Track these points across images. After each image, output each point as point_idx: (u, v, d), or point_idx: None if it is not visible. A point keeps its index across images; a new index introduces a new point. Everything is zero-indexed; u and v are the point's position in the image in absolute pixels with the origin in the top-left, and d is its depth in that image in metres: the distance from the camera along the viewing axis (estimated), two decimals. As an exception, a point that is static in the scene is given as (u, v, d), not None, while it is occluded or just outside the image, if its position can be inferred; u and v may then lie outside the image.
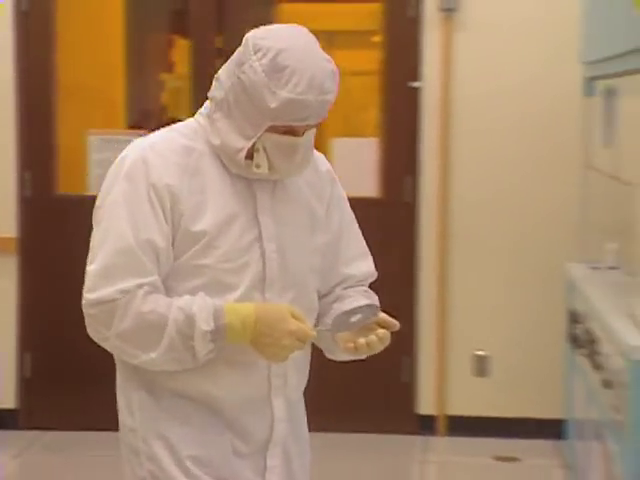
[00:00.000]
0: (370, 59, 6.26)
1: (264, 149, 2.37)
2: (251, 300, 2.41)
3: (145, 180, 2.35)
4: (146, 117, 6.22)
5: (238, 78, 2.36)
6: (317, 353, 2.66)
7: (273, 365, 2.46)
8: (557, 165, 5.72)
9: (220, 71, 2.48)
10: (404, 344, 6.01)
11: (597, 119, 5.16)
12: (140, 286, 2.32)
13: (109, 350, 2.44)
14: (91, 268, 2.35)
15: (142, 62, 6.47)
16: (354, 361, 6.06)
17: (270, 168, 2.39)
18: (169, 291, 2.38)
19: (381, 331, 2.45)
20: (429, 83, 5.94)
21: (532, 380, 5.78)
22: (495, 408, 5.75)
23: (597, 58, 4.75)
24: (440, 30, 5.90)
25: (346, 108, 6.81)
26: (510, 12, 5.82)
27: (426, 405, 6.08)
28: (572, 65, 5.26)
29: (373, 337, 2.44)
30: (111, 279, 2.32)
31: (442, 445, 5.96)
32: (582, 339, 4.60)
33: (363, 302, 2.51)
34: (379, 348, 2.48)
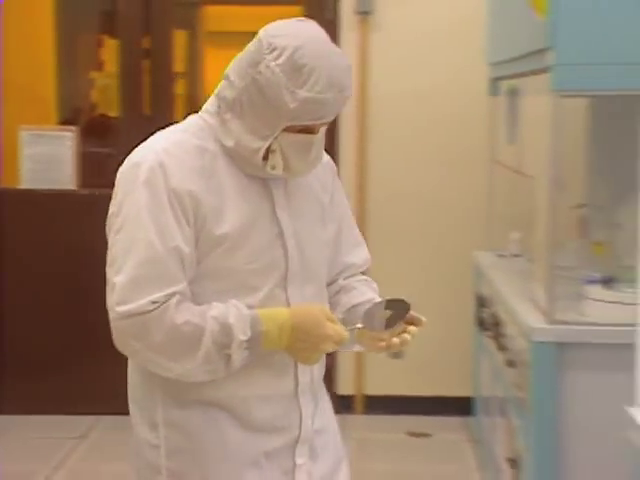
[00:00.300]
0: (291, 60, 6.27)
1: (280, 149, 2.22)
2: (275, 298, 2.28)
3: (165, 186, 2.17)
4: (76, 113, 6.18)
5: (253, 78, 2.18)
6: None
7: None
8: (465, 160, 5.79)
9: (229, 70, 2.27)
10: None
11: (502, 117, 5.23)
12: (171, 295, 2.15)
13: (139, 363, 2.28)
14: (119, 279, 2.15)
15: (73, 61, 6.42)
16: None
17: (285, 168, 2.25)
18: (193, 296, 2.22)
19: (414, 329, 2.33)
20: (346, 82, 5.98)
21: (443, 361, 5.86)
22: (409, 387, 5.81)
23: (501, 59, 4.79)
24: (356, 32, 5.94)
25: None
26: (422, 16, 5.87)
27: (345, 386, 6.12)
28: (479, 66, 5.31)
29: (407, 336, 2.31)
30: (141, 290, 2.13)
31: (360, 423, 5.99)
32: (488, 322, 4.67)
33: (387, 297, 2.35)
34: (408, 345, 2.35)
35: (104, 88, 6.39)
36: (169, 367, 2.18)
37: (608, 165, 4.25)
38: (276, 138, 2.20)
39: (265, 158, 2.23)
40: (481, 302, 4.90)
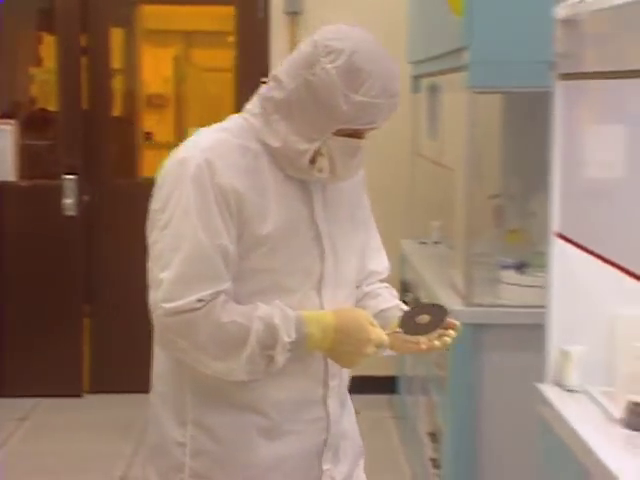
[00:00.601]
0: (225, 57, 6.28)
1: (328, 152, 2.13)
2: (309, 301, 2.18)
3: (212, 183, 2.07)
4: (16, 107, 6.13)
5: (305, 80, 2.07)
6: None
7: (330, 366, 2.20)
8: (390, 153, 5.82)
9: (279, 71, 2.15)
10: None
11: (423, 113, 5.29)
12: (218, 294, 2.06)
13: (181, 359, 2.16)
14: (166, 276, 2.06)
15: (12, 57, 6.35)
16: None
17: (331, 171, 2.15)
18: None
19: (453, 332, 2.22)
20: (277, 78, 6.02)
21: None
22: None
23: (421, 58, 4.86)
24: (286, 31, 5.97)
25: (204, 101, 6.82)
26: (347, 16, 5.80)
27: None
28: (401, 64, 5.35)
29: (448, 339, 2.22)
30: (189, 287, 2.05)
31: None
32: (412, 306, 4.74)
33: (425, 302, 2.33)
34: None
35: (43, 83, 6.34)
36: (211, 365, 2.09)
37: (521, 157, 4.34)
38: (324, 141, 2.11)
39: (311, 161, 2.13)
40: (405, 287, 4.95)
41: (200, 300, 2.04)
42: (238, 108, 6.62)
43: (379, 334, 2.13)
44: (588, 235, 2.66)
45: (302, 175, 2.17)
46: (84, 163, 5.92)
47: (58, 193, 5.89)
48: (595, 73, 2.60)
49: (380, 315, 2.30)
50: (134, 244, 6.15)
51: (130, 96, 6.35)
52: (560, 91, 2.81)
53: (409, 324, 2.19)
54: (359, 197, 2.42)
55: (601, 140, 2.64)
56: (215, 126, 2.23)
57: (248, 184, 2.10)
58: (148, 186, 6.80)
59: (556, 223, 2.84)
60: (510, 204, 4.37)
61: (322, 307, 2.20)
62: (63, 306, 6.02)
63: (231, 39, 6.23)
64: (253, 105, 2.21)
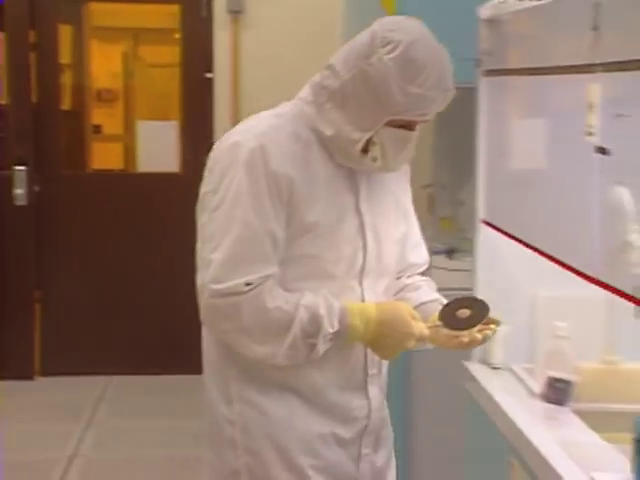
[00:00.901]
0: (171, 53, 6.25)
1: (380, 142, 2.06)
2: (351, 290, 2.13)
3: (264, 169, 2.01)
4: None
5: (361, 70, 2.01)
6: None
7: (369, 354, 2.17)
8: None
9: (334, 60, 2.09)
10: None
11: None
12: (266, 278, 2.01)
13: (223, 340, 2.10)
14: (215, 257, 2.00)
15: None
16: (162, 312, 5.97)
17: (382, 161, 2.09)
18: None
19: (494, 327, 2.16)
20: (220, 74, 6.02)
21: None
22: None
23: (357, 55, 4.88)
24: (228, 29, 5.98)
25: (151, 95, 6.78)
26: (286, 14, 5.95)
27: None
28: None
29: (489, 332, 2.16)
30: (238, 270, 1.99)
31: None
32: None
33: (466, 296, 2.21)
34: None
35: (-7, 78, 6.27)
36: (253, 349, 2.03)
37: (451, 149, 4.37)
38: (377, 131, 2.05)
39: (363, 150, 2.07)
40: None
41: (248, 284, 1.98)
42: (184, 101, 6.66)
43: (420, 328, 2.09)
44: (511, 222, 2.70)
45: (352, 164, 2.12)
46: (34, 155, 5.88)
47: (9, 183, 5.85)
48: (516, 70, 2.63)
49: (420, 308, 2.24)
50: (83, 232, 6.19)
51: (79, 90, 6.29)
52: (484, 87, 2.84)
53: (450, 318, 2.12)
54: (402, 188, 2.34)
55: (522, 133, 2.68)
56: (268, 112, 2.18)
57: (299, 171, 2.04)
58: (97, 177, 6.72)
59: (482, 211, 2.88)
60: (442, 193, 4.40)
61: (362, 296, 2.15)
62: (15, 292, 5.98)
63: (177, 36, 6.21)
64: (305, 93, 2.16)
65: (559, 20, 2.30)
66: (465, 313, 2.11)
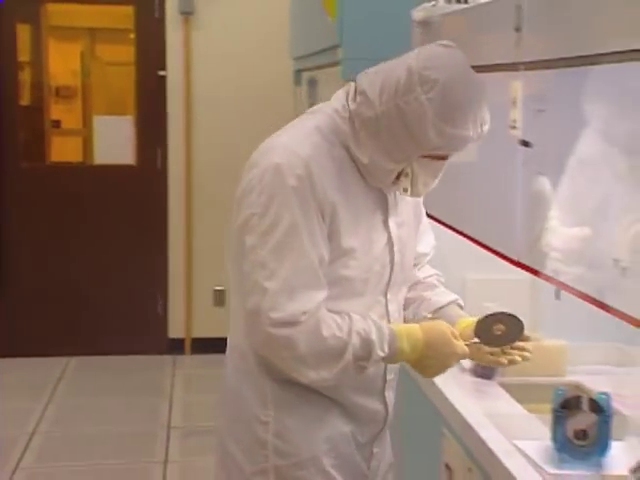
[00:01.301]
0: (126, 52, 6.20)
1: (412, 172, 1.94)
2: (377, 304, 2.04)
3: (313, 195, 1.88)
4: None
5: (397, 106, 1.85)
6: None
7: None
8: (275, 138, 5.87)
9: (367, 87, 1.91)
10: (159, 284, 6.11)
11: (304, 103, 5.29)
12: (319, 305, 1.89)
13: (278, 365, 1.95)
14: (271, 286, 1.86)
15: None
16: (118, 296, 5.92)
17: (411, 189, 1.98)
18: None
19: (529, 346, 2.07)
20: (173, 72, 5.99)
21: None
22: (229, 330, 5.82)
23: (302, 54, 4.85)
24: (180, 29, 5.97)
25: (107, 92, 6.72)
26: (237, 16, 5.94)
27: (176, 330, 6.15)
28: (285, 60, 5.36)
29: (528, 355, 2.05)
30: (295, 298, 1.87)
31: (188, 362, 6.05)
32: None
33: (495, 311, 2.07)
34: None
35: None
36: (307, 375, 1.92)
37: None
38: (409, 162, 1.92)
39: (395, 178, 1.96)
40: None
41: (305, 312, 1.87)
42: (139, 97, 6.60)
43: (463, 348, 1.99)
44: (442, 210, 2.71)
45: (383, 187, 2.01)
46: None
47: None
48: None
49: (443, 312, 2.17)
50: (43, 220, 6.13)
51: (38, 87, 6.23)
52: (418, 84, 2.85)
53: (486, 334, 2.04)
54: None
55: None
56: (308, 122, 1.99)
57: (340, 196, 1.92)
58: (56, 169, 6.64)
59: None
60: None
61: (387, 308, 2.07)
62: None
63: (131, 36, 6.18)
64: (340, 104, 1.98)
65: (485, 22, 2.32)
66: (501, 329, 2.04)
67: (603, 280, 2.08)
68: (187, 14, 5.93)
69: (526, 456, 1.98)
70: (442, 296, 2.22)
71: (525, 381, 2.49)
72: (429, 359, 1.98)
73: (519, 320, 2.04)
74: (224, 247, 6.20)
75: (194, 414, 5.13)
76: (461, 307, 2.23)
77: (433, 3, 2.69)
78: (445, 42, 1.93)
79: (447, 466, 2.33)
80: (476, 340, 2.04)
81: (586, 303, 1.99)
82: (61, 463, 4.44)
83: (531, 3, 2.02)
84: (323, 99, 5.03)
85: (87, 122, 6.49)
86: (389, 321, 2.06)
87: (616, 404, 2.07)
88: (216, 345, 5.90)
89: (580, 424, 1.95)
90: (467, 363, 2.54)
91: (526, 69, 2.02)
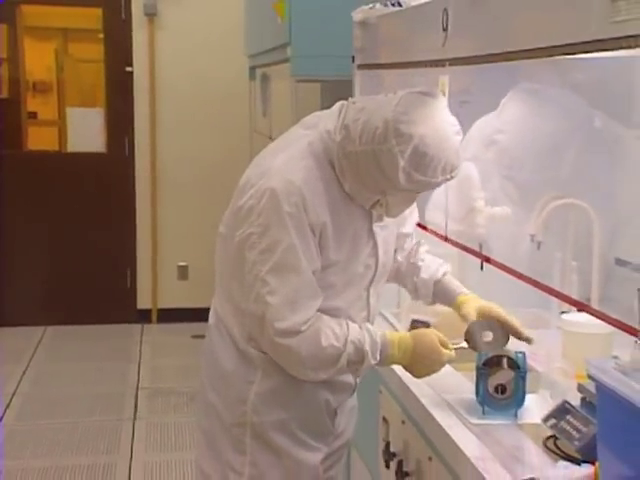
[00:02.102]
0: (96, 50, 6.12)
1: (386, 203, 1.92)
2: (359, 299, 2.02)
3: (307, 218, 1.85)
4: None
5: (373, 150, 1.81)
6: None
7: None
8: (232, 130, 5.83)
9: (350, 123, 1.86)
10: (128, 259, 6.06)
11: (258, 97, 5.27)
12: (316, 313, 1.89)
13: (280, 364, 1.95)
14: (273, 301, 1.86)
15: None
16: (91, 272, 5.85)
17: (386, 214, 1.97)
18: None
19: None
20: (139, 68, 5.92)
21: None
22: (192, 301, 5.74)
23: (255, 52, 4.84)
24: (145, 29, 5.90)
25: (80, 86, 6.66)
26: (196, 17, 5.88)
27: (143, 302, 6.10)
28: (241, 57, 5.33)
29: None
30: (296, 310, 1.86)
31: (155, 330, 5.99)
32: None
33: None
34: None
35: None
36: (306, 374, 1.94)
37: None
38: (384, 195, 1.90)
39: (371, 206, 1.94)
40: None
41: (306, 322, 1.87)
42: (108, 91, 6.50)
43: (449, 355, 1.98)
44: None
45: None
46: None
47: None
48: (384, 64, 2.65)
49: (440, 288, 2.16)
50: (20, 206, 6.03)
51: (16, 82, 6.13)
52: (358, 78, 2.85)
53: (474, 340, 2.02)
54: None
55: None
56: (300, 143, 1.92)
57: (329, 214, 1.89)
58: (32, 156, 6.53)
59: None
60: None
61: (368, 301, 2.05)
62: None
63: (100, 35, 6.09)
64: (332, 125, 1.91)
65: (416, 23, 2.32)
66: (488, 335, 2.02)
67: (521, 253, 2.10)
68: (151, 15, 5.86)
69: (453, 409, 1.99)
70: (433, 272, 2.18)
71: (453, 343, 2.50)
72: (418, 364, 1.98)
73: (505, 333, 2.01)
74: (189, 225, 6.16)
75: (160, 376, 5.09)
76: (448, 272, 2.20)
77: (371, 6, 2.68)
78: (425, 90, 1.85)
79: (384, 419, 2.34)
80: (465, 345, 2.03)
81: (506, 274, 2.01)
82: (39, 421, 4.38)
83: (456, 6, 2.02)
84: (275, 93, 5.06)
85: (61, 114, 6.43)
86: (369, 312, 2.05)
87: (531, 362, 2.11)
88: (180, 315, 6.03)
89: (500, 380, 1.96)
90: (402, 328, 2.55)
91: (451, 65, 2.02)
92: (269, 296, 1.86)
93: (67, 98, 6.60)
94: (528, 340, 2.02)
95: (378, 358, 1.94)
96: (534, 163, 2.16)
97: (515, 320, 2.04)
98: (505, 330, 2.03)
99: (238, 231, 1.91)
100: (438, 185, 1.87)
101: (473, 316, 2.06)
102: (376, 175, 1.84)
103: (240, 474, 2.03)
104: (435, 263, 2.21)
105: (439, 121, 1.81)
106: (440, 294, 2.18)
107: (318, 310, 1.91)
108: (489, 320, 2.04)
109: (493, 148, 2.28)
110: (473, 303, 2.10)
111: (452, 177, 1.85)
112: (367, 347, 1.93)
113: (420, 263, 2.21)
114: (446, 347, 1.99)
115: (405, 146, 1.77)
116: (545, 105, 2.14)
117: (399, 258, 2.23)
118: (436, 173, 1.81)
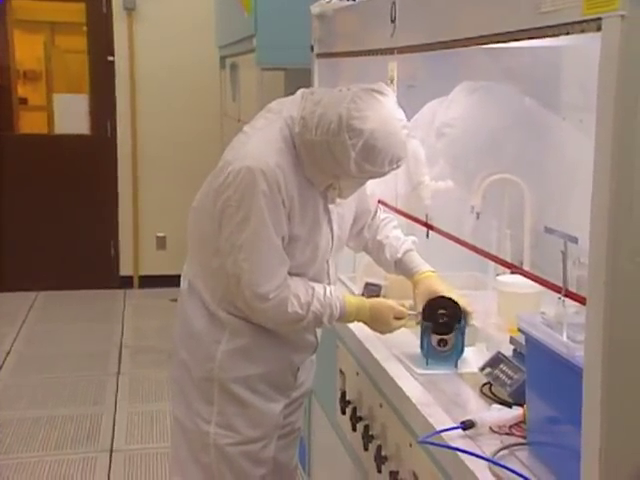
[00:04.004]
0: (81, 42, 6.01)
1: (339, 187, 1.92)
2: (322, 270, 2.01)
3: (279, 195, 1.84)
4: None
5: (327, 142, 1.80)
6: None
7: None
8: (203, 114, 5.78)
9: (307, 115, 1.85)
10: (111, 231, 6.00)
11: (228, 84, 5.22)
12: (285, 276, 1.90)
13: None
14: (247, 266, 1.87)
15: None
16: (78, 242, 5.79)
17: (339, 196, 1.96)
18: None
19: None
20: (120, 57, 5.84)
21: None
22: (170, 268, 5.62)
23: (225, 43, 4.79)
24: (125, 22, 5.81)
25: (66, 75, 6.58)
26: (171, 11, 5.80)
27: (126, 269, 6.06)
28: (211, 47, 5.27)
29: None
30: (267, 277, 1.87)
31: (137, 295, 5.96)
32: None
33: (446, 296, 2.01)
34: None
35: None
36: (269, 326, 1.97)
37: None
38: (337, 179, 1.89)
39: (325, 188, 1.93)
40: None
41: (275, 289, 1.89)
42: (92, 79, 6.40)
43: (399, 325, 2.00)
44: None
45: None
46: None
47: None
48: (340, 53, 2.62)
49: (398, 269, 2.16)
50: (13, 183, 5.93)
51: (7, 70, 6.01)
52: (317, 66, 2.82)
53: (429, 316, 1.99)
54: None
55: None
56: (272, 128, 1.91)
57: (296, 191, 1.88)
58: (23, 138, 6.43)
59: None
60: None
61: (328, 272, 2.04)
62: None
63: (84, 28, 5.98)
64: (295, 112, 1.90)
65: (368, 15, 2.30)
66: (444, 314, 1.99)
67: (462, 222, 2.10)
68: (130, 10, 5.77)
69: (401, 361, 2.00)
70: (397, 245, 2.17)
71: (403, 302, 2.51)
72: (372, 327, 2.03)
73: (459, 309, 1.98)
74: (166, 199, 6.11)
75: (141, 336, 5.05)
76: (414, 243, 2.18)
77: (327, 0, 2.64)
78: (377, 87, 1.83)
79: (341, 371, 2.34)
80: (419, 316, 2.00)
81: (450, 241, 2.01)
82: (32, 376, 4.34)
83: (403, 0, 2.00)
84: (243, 81, 5.00)
85: (49, 99, 6.33)
86: (329, 281, 2.04)
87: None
88: (158, 281, 6.00)
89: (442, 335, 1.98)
90: (357, 290, 2.55)
91: (399, 53, 2.00)
92: (244, 262, 1.87)
93: (54, 85, 6.53)
94: (470, 315, 2.00)
95: (334, 323, 2.00)
96: (478, 151, 2.16)
97: (460, 298, 2.02)
98: (457, 309, 1.99)
99: (217, 204, 1.90)
100: (385, 174, 1.86)
101: (422, 298, 2.03)
102: (330, 162, 1.84)
103: (208, 422, 2.04)
104: (398, 241, 2.19)
105: (388, 117, 1.80)
106: (400, 271, 2.17)
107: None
108: (446, 298, 2.01)
109: (442, 140, 2.28)
110: (426, 283, 2.07)
111: (398, 167, 1.85)
112: (325, 319, 1.96)
113: (385, 241, 2.19)
114: (402, 317, 2.00)
115: (357, 140, 1.77)
116: (486, 99, 2.14)
117: (366, 235, 2.21)
118: (384, 164, 1.81)
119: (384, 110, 1.80)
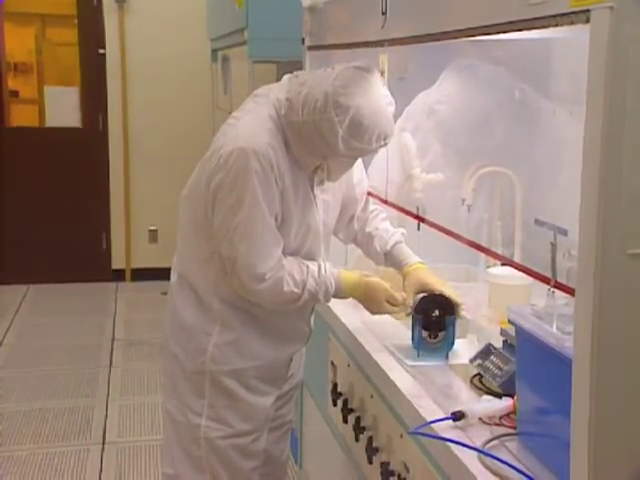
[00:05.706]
0: (72, 34, 5.98)
1: (327, 167, 1.91)
2: (314, 252, 2.00)
3: (272, 174, 1.83)
4: None
5: (314, 121, 1.80)
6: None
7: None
8: (197, 105, 5.75)
9: (293, 96, 1.85)
10: (103, 224, 5.98)
11: (219, 76, 5.21)
12: (280, 257, 1.89)
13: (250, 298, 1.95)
14: (243, 248, 1.86)
15: None
16: (70, 235, 5.75)
17: (327, 178, 1.95)
18: None
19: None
20: (110, 50, 5.81)
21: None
22: (162, 262, 5.61)
23: (216, 36, 4.78)
24: (116, 15, 5.78)
25: (57, 67, 6.54)
26: (162, 4, 5.77)
27: (118, 262, 6.04)
28: (203, 40, 5.25)
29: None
30: (262, 258, 1.87)
31: (128, 287, 5.95)
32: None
33: (438, 293, 2.00)
34: None
35: None
36: (266, 306, 1.96)
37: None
38: (325, 159, 1.89)
39: (313, 170, 1.93)
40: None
41: (270, 269, 1.88)
42: (83, 71, 6.37)
43: (390, 309, 2.01)
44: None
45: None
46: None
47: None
48: (331, 45, 2.61)
49: (387, 261, 2.15)
50: (5, 175, 5.90)
51: (-4, 60, 5.96)
52: (308, 59, 2.81)
53: (422, 311, 1.99)
54: None
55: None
56: (260, 111, 1.89)
57: (287, 171, 1.87)
58: (15, 131, 6.38)
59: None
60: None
61: (322, 255, 2.04)
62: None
63: (75, 21, 5.95)
64: (282, 95, 1.89)
65: (359, 8, 2.29)
66: (437, 312, 1.98)
67: (453, 215, 2.10)
68: (121, 2, 5.74)
69: (392, 353, 2.00)
70: (387, 237, 2.16)
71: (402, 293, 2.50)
72: (363, 305, 2.03)
73: (450, 307, 1.98)
74: (158, 192, 6.10)
75: (133, 329, 5.04)
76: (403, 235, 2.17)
77: (319, -8, 2.63)
78: (362, 65, 1.83)
79: (332, 363, 2.35)
80: (411, 307, 2.00)
81: (441, 233, 2.02)
82: (24, 369, 4.33)
83: (394, -8, 2.00)
84: (234, 73, 4.99)
85: (40, 92, 6.29)
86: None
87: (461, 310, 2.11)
88: (150, 274, 5.99)
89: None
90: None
91: (389, 45, 2.00)
92: (240, 245, 1.86)
93: (46, 78, 6.49)
94: (460, 307, 1.99)
95: (330, 300, 1.99)
96: (468, 131, 2.16)
97: (451, 291, 2.01)
98: (449, 308, 1.99)
99: (210, 188, 1.88)
100: (374, 151, 1.87)
101: (412, 290, 2.03)
102: (318, 142, 1.83)
103: (199, 415, 2.04)
104: (388, 233, 2.17)
105: (373, 94, 1.80)
106: (390, 264, 2.16)
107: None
108: (439, 296, 2.00)
109: (433, 117, 2.28)
110: (416, 275, 2.06)
111: (385, 144, 1.84)
112: (321, 296, 1.96)
113: (374, 233, 2.18)
114: (394, 304, 1.99)
115: (343, 117, 1.76)
116: (478, 80, 2.15)
117: (355, 226, 2.20)
118: (371, 140, 1.80)
119: (370, 87, 1.80)
